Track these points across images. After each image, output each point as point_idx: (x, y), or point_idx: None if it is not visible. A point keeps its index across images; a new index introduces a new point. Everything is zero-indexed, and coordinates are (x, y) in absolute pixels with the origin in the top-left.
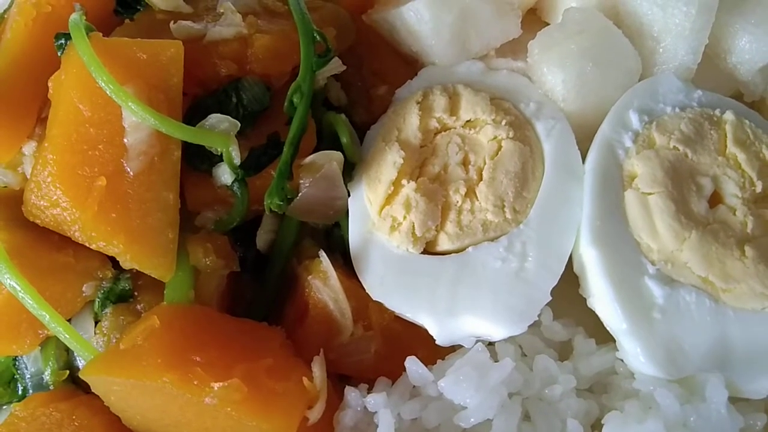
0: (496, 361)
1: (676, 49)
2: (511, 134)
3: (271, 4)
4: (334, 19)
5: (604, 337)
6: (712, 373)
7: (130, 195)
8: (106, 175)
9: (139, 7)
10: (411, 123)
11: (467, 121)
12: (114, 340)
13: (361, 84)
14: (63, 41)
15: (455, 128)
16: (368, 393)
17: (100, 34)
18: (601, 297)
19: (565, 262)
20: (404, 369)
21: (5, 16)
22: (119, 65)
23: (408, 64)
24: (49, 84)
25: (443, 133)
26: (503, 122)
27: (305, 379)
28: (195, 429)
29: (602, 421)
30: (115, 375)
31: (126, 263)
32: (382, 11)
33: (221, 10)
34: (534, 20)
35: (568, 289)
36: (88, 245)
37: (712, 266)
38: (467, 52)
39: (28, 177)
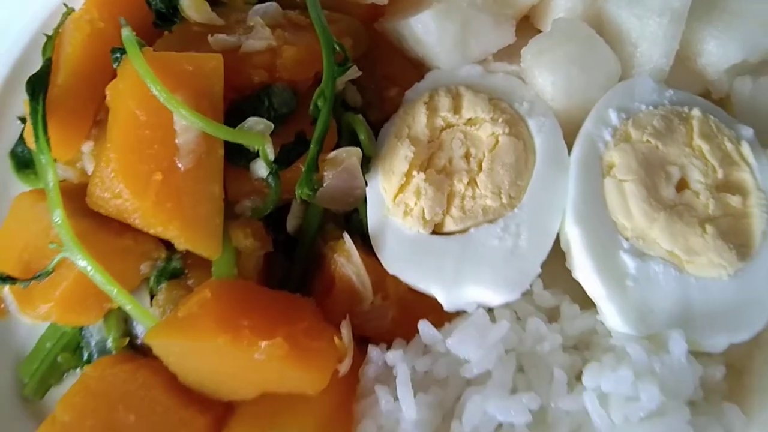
0: (495, 323)
1: (651, 53)
2: (506, 130)
3: (294, 17)
4: (350, 30)
5: (586, 303)
6: (674, 330)
7: (182, 187)
8: (161, 171)
9: (175, 20)
10: (419, 121)
11: (469, 119)
12: (168, 311)
13: (374, 87)
14: (118, 55)
15: (458, 125)
16: (387, 350)
17: (151, 49)
18: (584, 269)
19: (553, 240)
20: (417, 331)
21: (59, 30)
22: (169, 76)
23: (415, 67)
24: (107, 92)
25: (448, 129)
26: (500, 120)
27: (336, 338)
28: (243, 382)
29: (583, 370)
30: (175, 338)
31: (180, 245)
32: (392, 21)
33: (251, 23)
34: (527, 27)
35: (556, 262)
36: (145, 231)
37: (677, 242)
38: (468, 57)
39: (88, 172)
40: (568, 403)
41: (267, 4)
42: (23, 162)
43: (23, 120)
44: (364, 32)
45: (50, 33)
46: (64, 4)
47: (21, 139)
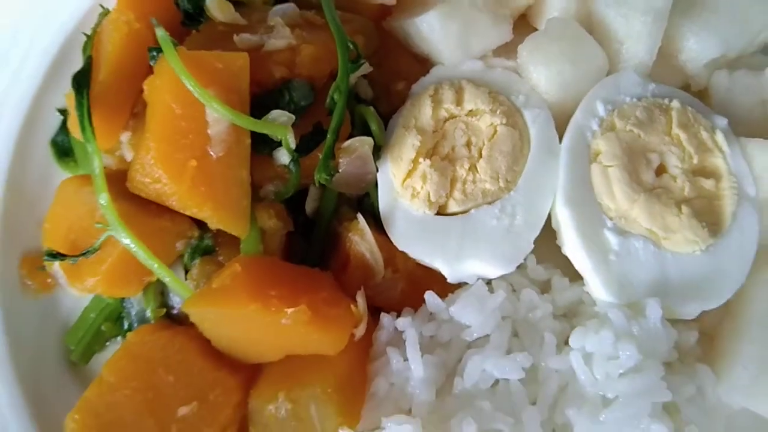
0: (493, 293)
1: (636, 50)
2: (504, 121)
3: (311, 17)
4: (362, 29)
5: (574, 276)
6: (651, 298)
7: (214, 173)
8: (195, 158)
9: (201, 20)
10: (425, 113)
11: (470, 111)
12: (201, 284)
13: (383, 81)
14: (155, 53)
15: (460, 116)
16: (397, 318)
17: (185, 48)
18: (572, 245)
19: (545, 220)
20: (424, 300)
21: (97, 30)
22: (201, 73)
23: (421, 63)
24: (145, 87)
25: (451, 120)
26: (498, 111)
27: (352, 306)
28: (270, 345)
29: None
30: (210, 307)
31: (213, 225)
32: (399, 20)
33: (272, 23)
34: (524, 25)
35: (548, 240)
36: (181, 212)
37: (655, 221)
38: (469, 53)
39: (126, 159)
40: (557, 362)
41: (286, 5)
42: (63, 150)
43: (62, 112)
44: (374, 31)
45: (88, 32)
46: (101, 5)
47: (60, 129)
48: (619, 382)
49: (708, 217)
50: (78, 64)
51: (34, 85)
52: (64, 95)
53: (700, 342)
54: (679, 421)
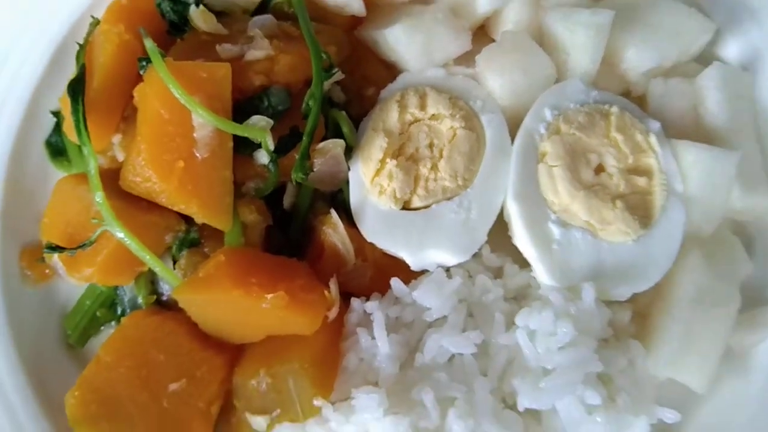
0: (450, 279)
1: (580, 60)
2: (463, 124)
3: (287, 28)
4: (334, 40)
5: (524, 264)
6: (587, 282)
7: (200, 173)
8: (182, 159)
9: (186, 29)
10: (392, 116)
11: (432, 115)
12: (188, 273)
13: (355, 86)
14: (144, 63)
15: (424, 120)
16: (366, 302)
17: (171, 59)
18: (520, 236)
19: (497, 214)
20: (390, 286)
21: (89, 39)
22: (187, 81)
23: (389, 69)
24: (135, 94)
25: (415, 123)
26: (458, 116)
27: (326, 292)
28: (251, 327)
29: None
30: (197, 293)
31: (198, 220)
32: (369, 30)
33: (251, 34)
34: (483, 35)
35: (500, 231)
36: (170, 208)
37: (593, 214)
38: (432, 62)
39: (118, 160)
40: (505, 339)
41: (264, 16)
42: (57, 150)
43: (55, 114)
44: (346, 40)
45: (79, 39)
46: (91, 16)
47: (54, 130)
48: (557, 355)
49: (640, 210)
50: (69, 69)
51: (29, 89)
52: (59, 99)
53: (635, 320)
54: (613, 390)
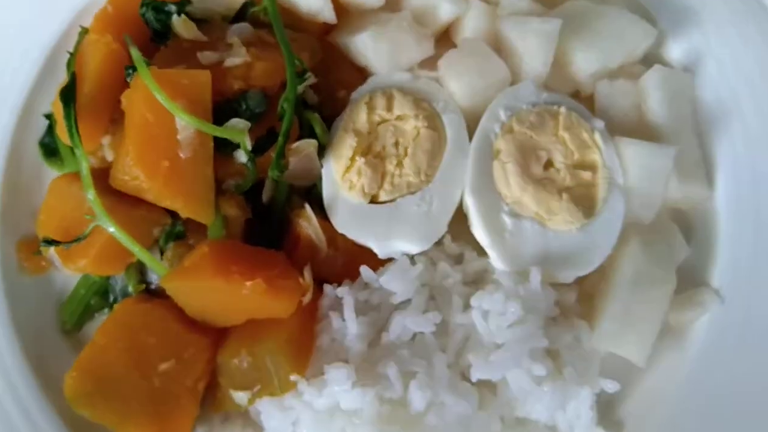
0: (414, 265)
1: (532, 64)
2: (426, 124)
3: (263, 36)
4: (307, 46)
5: (481, 251)
6: (534, 267)
7: (184, 171)
8: (167, 159)
9: (168, 37)
10: (361, 117)
11: (398, 116)
12: (175, 263)
13: (327, 88)
14: (130, 71)
15: (390, 120)
16: (338, 287)
17: (156, 67)
18: (477, 226)
19: (456, 206)
20: (359, 273)
21: (78, 48)
22: (170, 88)
23: (359, 72)
24: (122, 99)
25: (382, 124)
26: (421, 116)
27: (301, 279)
28: (233, 312)
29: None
30: (183, 281)
31: (183, 214)
32: (340, 36)
33: (230, 41)
34: (446, 40)
35: (460, 222)
36: (157, 204)
37: (541, 206)
38: (398, 66)
39: (107, 159)
40: (462, 319)
41: (242, 24)
42: (50, 151)
43: (48, 117)
44: (318, 46)
45: (69, 49)
46: (80, 26)
47: (47, 132)
48: (506, 332)
49: (584, 202)
50: (60, 75)
51: (23, 94)
52: (51, 104)
53: (581, 301)
54: (560, 363)
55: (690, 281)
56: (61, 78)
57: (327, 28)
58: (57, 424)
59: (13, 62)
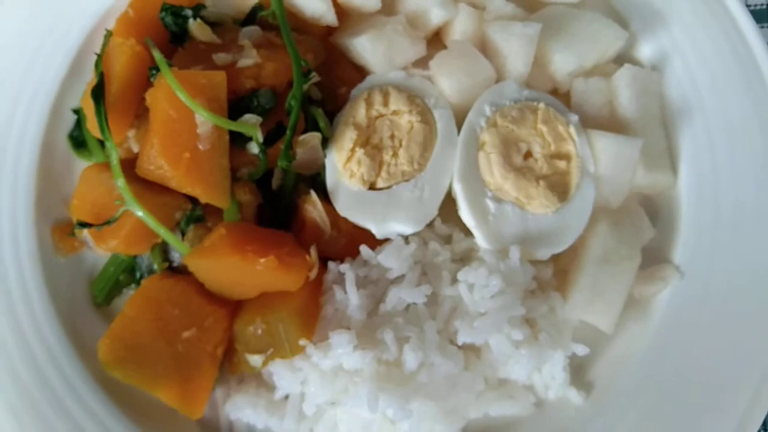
0: (408, 245)
1: (515, 64)
2: (419, 119)
3: (272, 38)
4: (311, 48)
5: (468, 232)
6: (513, 245)
7: (203, 162)
8: (188, 151)
9: (186, 39)
10: (360, 112)
11: (394, 111)
12: (195, 243)
13: (330, 85)
14: (154, 71)
15: (387, 115)
16: (340, 264)
17: (176, 66)
18: (464, 210)
19: (446, 192)
20: (359, 252)
21: (105, 50)
22: (190, 87)
23: (358, 70)
24: (147, 97)
25: (380, 118)
26: (415, 111)
27: (307, 257)
28: (248, 285)
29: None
30: (204, 259)
31: (202, 200)
32: (341, 38)
33: (242, 43)
34: (437, 41)
35: (449, 206)
36: (179, 191)
37: (521, 191)
38: (394, 65)
39: (133, 150)
40: (450, 291)
41: (252, 27)
42: (78, 143)
43: (76, 112)
44: (321, 47)
45: (94, 49)
46: (105, 29)
47: (76, 126)
48: (488, 302)
49: (559, 188)
50: (86, 73)
51: (53, 91)
52: (80, 100)
53: (557, 276)
54: (537, 330)
55: (654, 258)
56: (87, 76)
57: (329, 30)
58: (92, 386)
59: (42, 63)
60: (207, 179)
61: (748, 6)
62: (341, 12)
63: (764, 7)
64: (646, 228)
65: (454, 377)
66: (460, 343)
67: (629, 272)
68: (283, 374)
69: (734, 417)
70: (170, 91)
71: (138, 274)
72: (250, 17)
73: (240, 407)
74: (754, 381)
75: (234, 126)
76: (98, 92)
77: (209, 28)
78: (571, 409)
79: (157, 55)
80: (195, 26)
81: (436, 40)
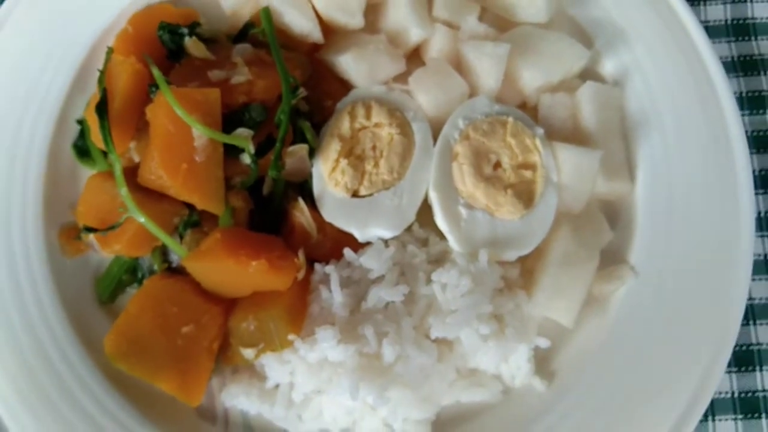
0: (388, 247)
1: (486, 81)
2: (398, 131)
3: (263, 56)
4: (299, 64)
5: (442, 236)
6: (482, 249)
7: (199, 172)
8: (186, 162)
9: (182, 55)
10: (345, 125)
11: (376, 123)
12: (192, 247)
13: (316, 99)
14: (154, 89)
15: (369, 127)
16: (326, 266)
17: (173, 83)
18: (439, 216)
19: (422, 199)
20: (343, 254)
21: (106, 67)
22: (187, 103)
23: (343, 84)
24: (147, 112)
25: (362, 130)
26: (395, 124)
27: (295, 259)
28: (241, 285)
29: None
30: (201, 262)
31: (199, 207)
32: (327, 54)
33: (235, 60)
34: (416, 58)
35: (426, 212)
36: (177, 198)
37: (490, 199)
38: (376, 80)
39: (134, 160)
40: (425, 290)
41: (244, 45)
42: (82, 152)
43: (80, 122)
44: (308, 63)
45: (95, 64)
46: (107, 46)
47: (80, 135)
48: (459, 300)
49: (525, 196)
50: (89, 85)
51: (59, 103)
52: (84, 111)
53: (523, 275)
54: (503, 325)
55: (612, 259)
56: (89, 89)
57: (315, 47)
58: (99, 377)
59: (48, 77)
60: (203, 188)
61: (707, 21)
62: (326, 28)
63: (722, 23)
64: (605, 231)
65: (429, 368)
66: (433, 337)
67: (588, 272)
68: (273, 366)
69: (683, 400)
70: (169, 107)
71: (140, 274)
72: (242, 33)
73: (234, 395)
74: (700, 369)
75: (228, 139)
76: (102, 108)
77: (204, 45)
78: (535, 396)
79: (157, 73)
80: (190, 43)
81: (414, 56)
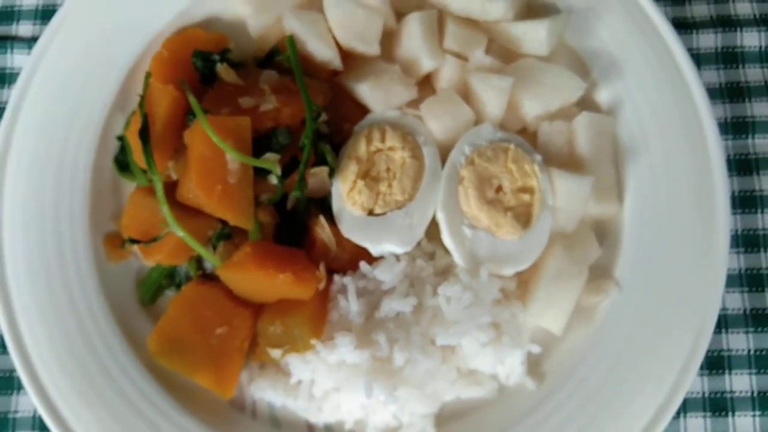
0: (399, 261)
1: (491, 110)
2: (410, 155)
3: (288, 84)
4: (320, 91)
5: (448, 252)
6: (483, 265)
7: (232, 193)
8: (220, 184)
9: (214, 80)
10: (361, 147)
11: (390, 147)
12: (224, 257)
13: (336, 122)
14: (191, 116)
15: (384, 150)
16: (344, 277)
17: (209, 111)
18: (445, 234)
19: (431, 219)
20: (359, 267)
21: (146, 92)
22: (221, 130)
23: (360, 108)
24: (185, 136)
25: (377, 153)
26: (407, 148)
27: (317, 272)
28: (269, 294)
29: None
30: (233, 273)
31: (231, 222)
32: (346, 80)
33: (262, 87)
34: (427, 84)
35: (435, 227)
36: (212, 214)
37: (492, 220)
38: (390, 106)
39: (172, 178)
40: (432, 302)
41: (270, 72)
42: (123, 166)
43: (120, 139)
44: (328, 89)
45: (133, 86)
46: (146, 71)
47: (120, 151)
48: (461, 312)
49: (523, 217)
50: (127, 103)
51: (101, 121)
52: (123, 128)
53: (519, 288)
54: (500, 333)
55: (599, 273)
56: (128, 108)
57: (335, 72)
58: (144, 372)
59: (91, 96)
60: (235, 207)
61: (698, 49)
62: (345, 54)
63: (712, 50)
64: (594, 249)
65: (433, 370)
66: (438, 344)
67: (578, 286)
68: (297, 364)
69: (658, 399)
70: (205, 134)
71: (177, 280)
72: (268, 58)
73: (262, 389)
74: (674, 372)
75: (258, 163)
76: (144, 132)
77: (233, 71)
78: (526, 394)
79: (194, 102)
80: (222, 69)
81: (425, 83)
